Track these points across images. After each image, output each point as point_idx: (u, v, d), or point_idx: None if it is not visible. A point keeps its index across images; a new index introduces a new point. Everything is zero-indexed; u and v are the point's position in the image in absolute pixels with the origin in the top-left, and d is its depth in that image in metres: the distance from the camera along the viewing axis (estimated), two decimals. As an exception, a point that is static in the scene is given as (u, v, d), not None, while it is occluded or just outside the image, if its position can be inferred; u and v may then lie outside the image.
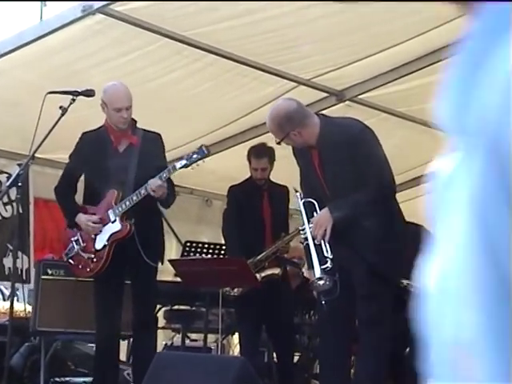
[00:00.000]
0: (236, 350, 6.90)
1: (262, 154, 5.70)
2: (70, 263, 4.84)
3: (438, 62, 6.18)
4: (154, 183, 4.50)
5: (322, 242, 4.01)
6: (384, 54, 6.03)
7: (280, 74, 6.24)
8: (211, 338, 6.47)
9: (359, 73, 6.39)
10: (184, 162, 4.52)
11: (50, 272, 5.48)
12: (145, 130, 4.86)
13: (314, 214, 4.09)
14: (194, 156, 4.51)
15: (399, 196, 7.45)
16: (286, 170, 5.77)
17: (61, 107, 4.52)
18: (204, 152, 4.50)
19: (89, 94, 4.61)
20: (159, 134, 4.89)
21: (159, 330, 6.58)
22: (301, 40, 5.80)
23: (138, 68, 5.81)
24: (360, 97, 6.72)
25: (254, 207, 5.69)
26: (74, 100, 4.55)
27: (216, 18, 5.41)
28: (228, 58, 5.91)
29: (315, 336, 6.58)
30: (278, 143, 4.16)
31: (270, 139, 6.36)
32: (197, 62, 5.93)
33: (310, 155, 4.17)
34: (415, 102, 6.89)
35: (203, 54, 5.81)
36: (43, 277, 5.45)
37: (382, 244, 4.07)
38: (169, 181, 4.69)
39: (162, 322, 6.23)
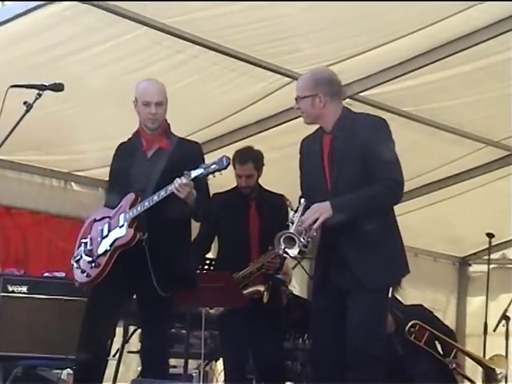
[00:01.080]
0: (220, 378, 6.87)
1: (246, 159, 5.63)
2: (73, 266, 4.76)
3: (448, 56, 6.18)
4: (179, 181, 4.47)
5: (305, 230, 4.06)
6: (388, 46, 6.00)
7: (272, 68, 6.21)
8: (192, 363, 6.44)
9: (361, 68, 6.36)
10: (201, 171, 4.48)
11: (10, 289, 5.42)
12: (182, 138, 4.86)
13: None
14: (213, 166, 4.47)
15: (406, 205, 7.48)
16: (276, 176, 5.76)
17: (25, 103, 4.48)
18: (223, 164, 4.46)
19: (57, 88, 4.56)
20: (198, 143, 4.89)
21: (133, 355, 6.58)
22: (295, 31, 5.80)
23: (113, 60, 5.76)
24: (361, 94, 6.69)
25: (238, 219, 5.62)
26: (39, 95, 4.51)
27: (201, 4, 5.38)
28: (214, 50, 5.87)
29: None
30: (296, 99, 4.27)
31: (260, 141, 6.35)
32: (179, 53, 5.90)
33: (321, 144, 4.28)
34: (423, 100, 6.89)
35: (187, 44, 5.78)
36: (3, 294, 5.39)
37: (375, 257, 4.11)
38: (200, 191, 4.60)
39: (136, 346, 6.20)
